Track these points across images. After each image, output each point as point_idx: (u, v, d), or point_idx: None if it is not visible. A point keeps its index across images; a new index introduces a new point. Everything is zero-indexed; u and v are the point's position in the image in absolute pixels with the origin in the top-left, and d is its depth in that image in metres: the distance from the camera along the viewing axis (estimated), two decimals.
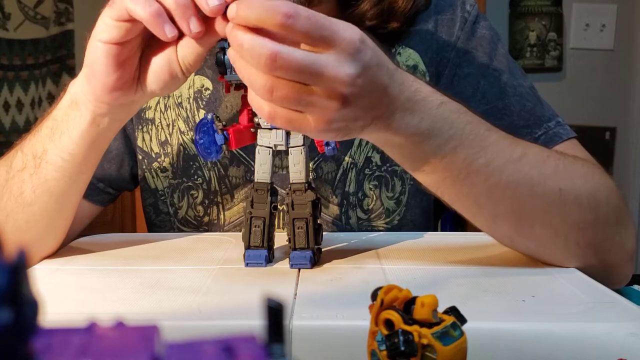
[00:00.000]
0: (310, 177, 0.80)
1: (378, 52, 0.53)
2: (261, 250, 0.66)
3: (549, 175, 0.64)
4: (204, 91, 0.84)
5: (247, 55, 0.50)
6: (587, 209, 0.65)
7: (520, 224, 0.64)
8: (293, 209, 0.66)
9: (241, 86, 0.67)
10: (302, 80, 0.50)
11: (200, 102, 0.84)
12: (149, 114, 0.86)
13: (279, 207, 0.80)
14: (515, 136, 0.66)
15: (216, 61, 0.66)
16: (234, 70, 0.66)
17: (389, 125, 0.56)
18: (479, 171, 0.61)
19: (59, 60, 2.33)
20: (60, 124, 0.66)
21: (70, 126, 0.66)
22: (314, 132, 0.53)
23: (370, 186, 0.83)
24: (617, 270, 0.70)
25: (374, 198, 0.83)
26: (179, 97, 0.85)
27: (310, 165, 0.82)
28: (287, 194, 0.67)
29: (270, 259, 0.67)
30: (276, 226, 0.70)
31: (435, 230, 0.97)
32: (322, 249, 0.68)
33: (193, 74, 0.83)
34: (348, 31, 0.51)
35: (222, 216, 0.84)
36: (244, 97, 0.67)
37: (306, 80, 0.50)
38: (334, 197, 0.83)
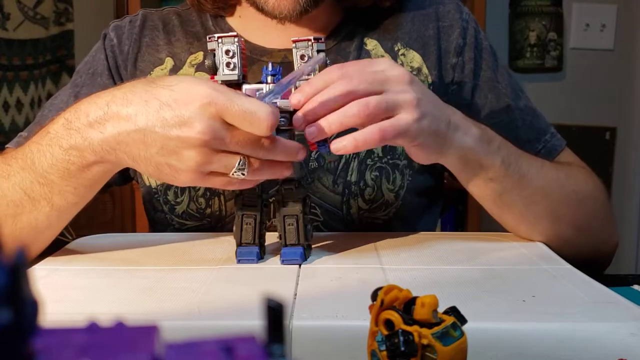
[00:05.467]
0: (302, 173, 0.81)
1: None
2: (252, 247, 0.67)
3: (565, 179, 0.77)
4: None
5: (350, 120, 0.61)
6: (592, 208, 0.80)
7: (554, 222, 0.76)
8: (284, 206, 0.66)
9: (232, 85, 0.68)
10: (387, 113, 0.62)
11: None
12: None
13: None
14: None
15: (205, 63, 0.67)
16: (225, 70, 0.67)
17: (461, 135, 0.68)
18: (524, 175, 0.73)
19: (58, 60, 2.33)
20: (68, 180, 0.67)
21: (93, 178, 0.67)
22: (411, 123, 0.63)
23: (372, 176, 0.84)
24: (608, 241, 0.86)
25: (375, 188, 0.84)
26: None
27: (312, 154, 0.82)
28: (278, 191, 0.67)
29: (261, 256, 0.68)
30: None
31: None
32: (320, 248, 0.69)
33: (194, 70, 0.86)
34: (396, 70, 0.64)
35: (223, 207, 0.84)
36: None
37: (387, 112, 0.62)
38: (336, 185, 0.83)
